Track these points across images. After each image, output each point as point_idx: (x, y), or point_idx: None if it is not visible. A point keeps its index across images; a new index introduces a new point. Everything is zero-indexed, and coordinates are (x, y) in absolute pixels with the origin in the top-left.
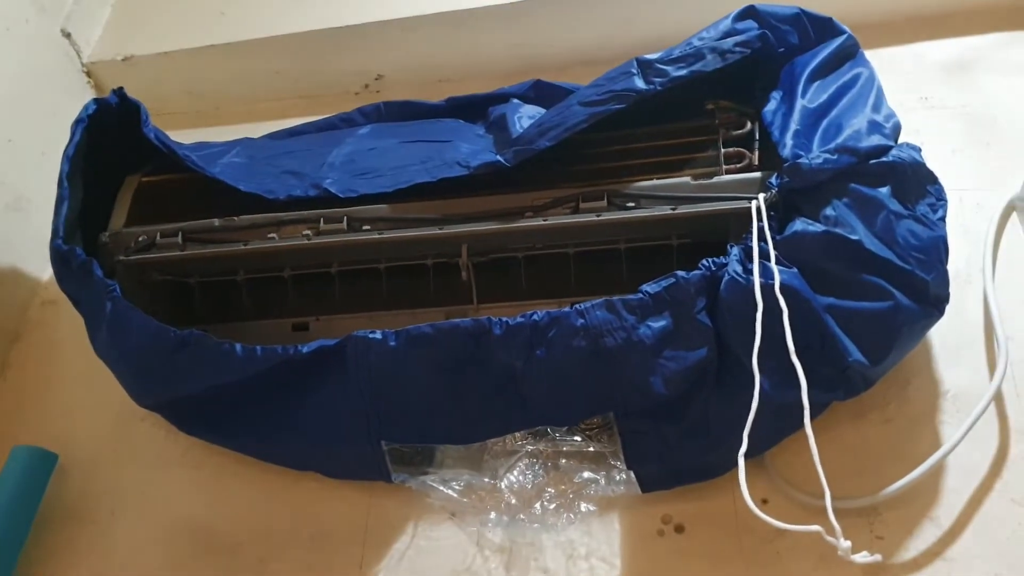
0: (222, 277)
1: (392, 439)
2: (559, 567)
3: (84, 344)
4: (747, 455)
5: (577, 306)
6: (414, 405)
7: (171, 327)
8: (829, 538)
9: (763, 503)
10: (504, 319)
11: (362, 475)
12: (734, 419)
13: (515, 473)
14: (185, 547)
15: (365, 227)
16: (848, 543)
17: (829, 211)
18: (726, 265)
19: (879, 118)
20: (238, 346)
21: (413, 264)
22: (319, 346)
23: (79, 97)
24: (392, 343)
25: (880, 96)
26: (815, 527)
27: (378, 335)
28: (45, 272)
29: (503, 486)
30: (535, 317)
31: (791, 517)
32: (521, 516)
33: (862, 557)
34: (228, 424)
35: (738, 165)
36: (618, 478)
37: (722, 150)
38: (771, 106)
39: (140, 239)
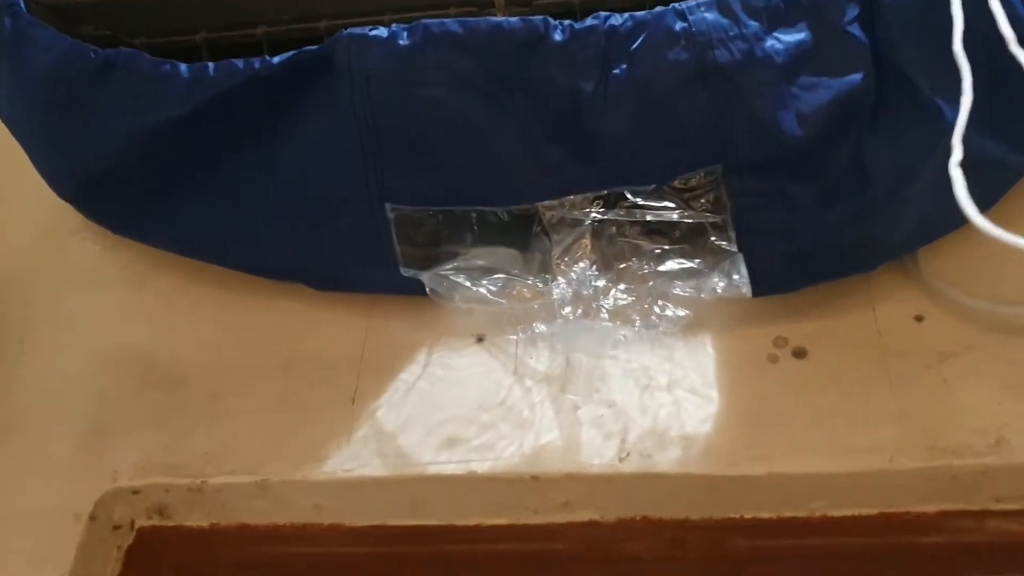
0: (176, 37)
1: (400, 200)
2: (630, 401)
3: None
4: (900, 251)
5: (676, 4)
6: (432, 145)
7: (92, 46)
8: None
9: (917, 320)
10: (567, 21)
11: (356, 273)
12: (903, 169)
13: (571, 259)
14: (118, 381)
15: None
16: None
17: None
18: None
19: None
20: (182, 65)
21: None
22: (297, 54)
23: None
24: (403, 41)
25: None
26: None
27: (382, 32)
28: None
29: (556, 288)
30: (613, 20)
31: (956, 339)
32: (579, 325)
33: None
34: (172, 202)
35: None
36: (716, 279)
37: None
38: None
39: None
